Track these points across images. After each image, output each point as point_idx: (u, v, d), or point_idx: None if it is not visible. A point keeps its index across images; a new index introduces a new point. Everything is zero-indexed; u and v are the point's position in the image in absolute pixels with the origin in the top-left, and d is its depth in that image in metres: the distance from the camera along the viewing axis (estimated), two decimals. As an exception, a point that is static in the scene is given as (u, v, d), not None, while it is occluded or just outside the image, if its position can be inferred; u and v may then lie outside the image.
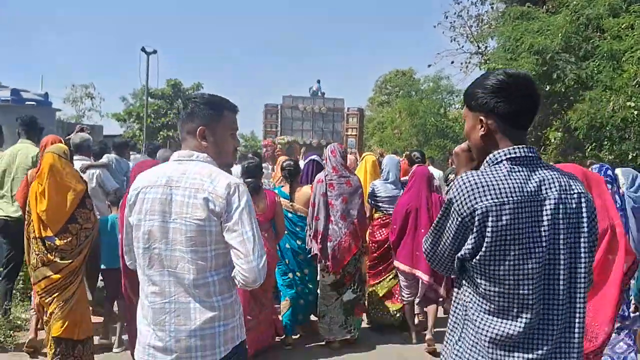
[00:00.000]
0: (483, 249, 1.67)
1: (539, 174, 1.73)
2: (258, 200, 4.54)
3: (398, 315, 5.65)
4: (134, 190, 2.17)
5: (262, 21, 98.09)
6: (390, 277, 5.68)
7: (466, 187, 1.71)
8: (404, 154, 14.28)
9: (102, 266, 4.95)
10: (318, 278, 5.27)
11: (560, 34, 11.03)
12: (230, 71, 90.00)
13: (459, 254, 1.76)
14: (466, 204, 1.69)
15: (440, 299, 5.41)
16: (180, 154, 2.18)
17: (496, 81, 1.75)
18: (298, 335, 5.47)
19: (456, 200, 1.72)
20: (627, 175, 5.35)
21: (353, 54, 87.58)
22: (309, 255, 5.18)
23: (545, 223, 1.69)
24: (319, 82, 23.69)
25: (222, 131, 2.23)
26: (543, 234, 1.68)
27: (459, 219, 1.72)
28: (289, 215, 5.26)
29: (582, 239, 1.73)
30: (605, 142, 10.97)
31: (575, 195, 1.74)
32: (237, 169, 9.16)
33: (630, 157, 10.10)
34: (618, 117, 9.76)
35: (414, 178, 5.43)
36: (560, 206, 1.70)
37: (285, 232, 5.11)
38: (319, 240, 5.04)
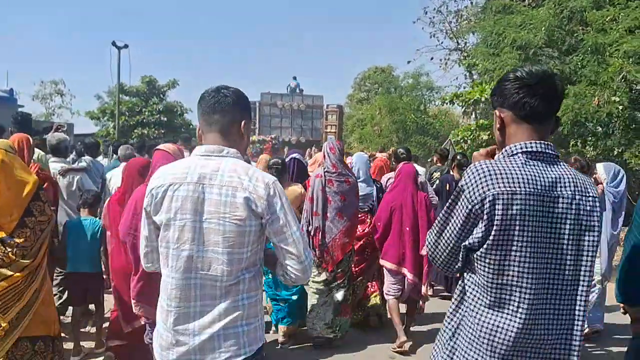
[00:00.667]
0: (491, 237, 1.67)
1: (556, 171, 1.74)
2: None
3: (372, 313, 5.72)
4: (159, 187, 2.06)
5: (238, 18, 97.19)
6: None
7: (479, 174, 1.72)
8: (390, 150, 14.03)
9: (68, 270, 4.79)
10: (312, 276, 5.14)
11: (543, 28, 10.78)
12: (206, 68, 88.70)
13: (466, 242, 1.75)
14: (477, 191, 1.70)
15: (420, 301, 5.40)
16: (209, 148, 2.07)
17: (513, 78, 1.78)
18: (286, 336, 5.32)
19: (467, 187, 1.73)
20: (608, 170, 5.54)
21: (331, 51, 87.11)
22: None
23: (556, 220, 1.70)
24: (295, 78, 23.58)
25: (250, 127, 2.20)
26: (552, 230, 1.70)
27: (469, 206, 1.72)
28: None
29: (588, 242, 1.73)
30: (590, 138, 10.77)
31: (590, 199, 1.75)
32: None
33: (615, 152, 9.91)
34: (603, 112, 9.55)
35: (400, 176, 5.38)
36: (573, 206, 1.72)
37: None
38: (319, 236, 5.01)
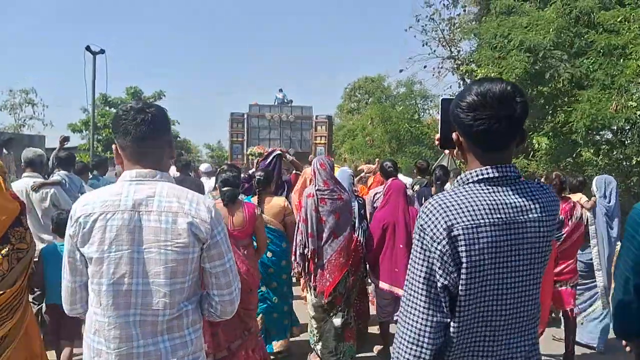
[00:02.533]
0: (462, 279, 1.54)
1: (519, 194, 1.64)
2: (235, 212, 4.31)
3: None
4: (87, 216, 1.91)
5: (224, 28, 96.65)
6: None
7: (436, 209, 1.59)
8: (376, 161, 13.40)
9: (48, 301, 4.44)
10: (309, 299, 5.01)
11: (551, 29, 10.14)
12: (193, 80, 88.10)
13: (445, 282, 1.56)
14: (441, 225, 1.55)
15: None
16: (140, 172, 1.95)
17: (465, 105, 1.60)
18: (280, 352, 5.22)
19: (428, 225, 1.58)
20: (600, 184, 5.65)
21: (319, 61, 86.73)
22: (282, 270, 5.12)
23: (527, 247, 1.61)
24: (281, 90, 23.13)
25: (173, 149, 2.11)
26: (524, 259, 1.61)
27: (437, 246, 1.55)
28: None
29: (541, 264, 1.67)
30: (603, 146, 10.15)
31: (553, 217, 1.69)
32: (208, 182, 8.21)
33: (634, 161, 9.26)
34: (621, 117, 8.89)
35: (390, 192, 5.28)
36: (541, 229, 1.64)
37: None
38: (315, 259, 4.82)
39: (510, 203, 1.61)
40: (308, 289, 5.02)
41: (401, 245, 5.04)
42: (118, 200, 1.91)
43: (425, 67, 24.97)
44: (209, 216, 1.94)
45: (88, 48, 10.99)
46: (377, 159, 14.65)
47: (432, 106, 24.01)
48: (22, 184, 5.28)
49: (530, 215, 1.62)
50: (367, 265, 5.41)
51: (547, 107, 11.83)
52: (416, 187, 7.50)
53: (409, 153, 22.12)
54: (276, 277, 5.13)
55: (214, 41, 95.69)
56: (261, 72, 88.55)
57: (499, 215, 1.57)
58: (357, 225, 5.52)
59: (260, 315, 4.99)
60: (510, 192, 1.63)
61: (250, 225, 4.38)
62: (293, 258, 4.95)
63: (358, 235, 5.42)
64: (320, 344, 4.95)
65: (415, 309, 1.60)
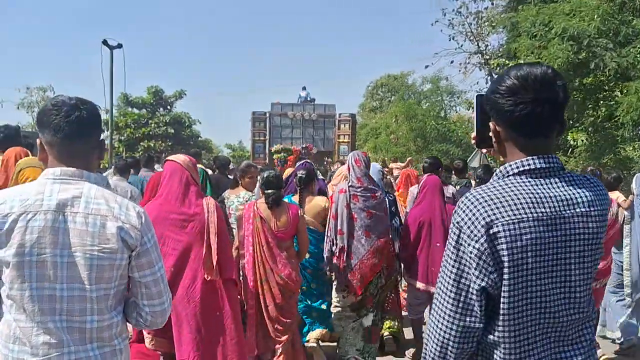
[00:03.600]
0: (504, 281, 1.43)
1: (564, 186, 1.52)
2: (279, 214, 4.21)
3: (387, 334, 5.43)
4: (5, 216, 1.75)
5: (244, 27, 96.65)
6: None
7: (474, 204, 1.47)
8: (407, 160, 12.89)
9: None
10: (336, 298, 4.95)
11: (596, 15, 9.48)
12: (214, 79, 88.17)
13: (484, 284, 1.45)
14: (479, 221, 1.44)
15: None
16: (66, 171, 1.84)
17: (504, 89, 1.50)
18: (317, 340, 5.06)
19: (465, 222, 1.47)
20: (639, 181, 5.42)
21: (341, 60, 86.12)
22: (321, 271, 4.94)
23: (573, 245, 1.49)
24: (304, 88, 22.85)
25: (104, 148, 2.07)
26: (570, 258, 1.49)
27: (474, 244, 1.45)
28: None
29: (592, 263, 1.54)
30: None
31: (601, 212, 1.55)
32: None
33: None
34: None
35: (425, 189, 5.16)
36: (590, 224, 1.51)
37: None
38: (344, 257, 4.67)
39: (556, 196, 1.49)
40: (336, 287, 4.92)
41: (438, 244, 4.92)
42: (40, 199, 1.80)
43: (452, 62, 24.41)
44: (139, 222, 1.87)
45: (105, 42, 10.59)
46: (408, 158, 14.22)
47: (459, 102, 23.55)
48: None
49: (577, 210, 1.50)
50: (402, 265, 5.28)
51: (588, 100, 11.15)
52: (457, 187, 7.26)
53: (436, 151, 21.71)
54: (315, 279, 4.99)
55: (234, 40, 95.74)
56: (281, 72, 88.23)
57: (543, 210, 1.46)
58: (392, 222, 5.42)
59: (298, 315, 4.87)
60: (555, 185, 1.52)
61: (294, 226, 4.28)
62: (323, 256, 4.85)
63: (389, 234, 5.21)
64: (345, 342, 4.86)
65: (443, 312, 1.52)
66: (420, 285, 4.98)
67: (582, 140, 11.25)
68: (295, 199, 4.92)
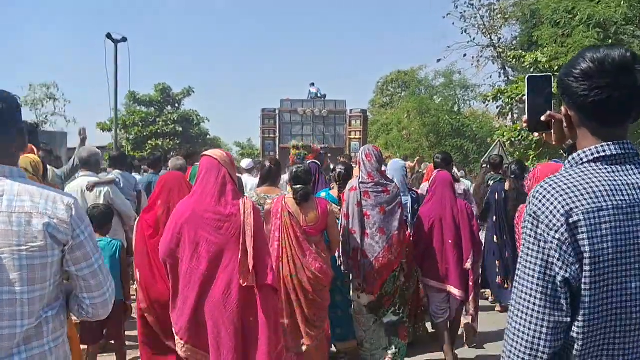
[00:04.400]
0: (586, 273, 1.34)
1: (639, 174, 1.43)
2: (308, 209, 4.21)
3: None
4: None
5: (255, 23, 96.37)
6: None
7: (550, 193, 1.40)
8: (418, 157, 12.52)
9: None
10: (352, 298, 4.87)
11: (623, 1, 9.00)
12: (223, 76, 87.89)
13: (566, 275, 1.36)
14: (558, 210, 1.37)
15: (468, 318, 5.15)
16: None
17: (579, 72, 1.43)
18: (340, 352, 5.15)
19: (543, 212, 1.39)
20: None
21: (351, 55, 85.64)
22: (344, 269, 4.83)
23: None
24: (313, 84, 22.57)
25: (25, 142, 1.96)
26: None
27: (554, 234, 1.37)
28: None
29: None
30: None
31: None
32: (250, 180, 8.08)
33: None
34: None
35: (435, 185, 5.10)
36: None
37: None
38: (358, 256, 4.58)
39: (634, 183, 1.42)
40: (352, 287, 4.82)
41: (450, 241, 4.87)
42: None
43: (465, 55, 23.96)
44: (68, 215, 1.82)
45: (109, 36, 10.17)
46: (417, 156, 13.89)
47: (473, 97, 23.10)
48: (78, 184, 5.26)
49: None
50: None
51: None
52: (490, 183, 7.20)
53: (450, 146, 21.20)
54: (343, 274, 4.87)
55: (242, 37, 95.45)
56: (290, 68, 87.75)
57: (622, 197, 1.39)
58: (409, 220, 5.39)
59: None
60: (632, 171, 1.44)
61: (323, 221, 4.26)
62: (337, 255, 4.72)
63: (411, 231, 5.21)
64: (371, 346, 4.77)
65: (530, 309, 1.42)
66: (434, 283, 4.93)
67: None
68: (334, 193, 4.98)
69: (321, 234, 4.34)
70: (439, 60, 27.05)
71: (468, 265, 4.85)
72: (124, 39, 10.36)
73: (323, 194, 4.97)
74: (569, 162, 1.51)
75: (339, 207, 4.86)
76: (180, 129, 26.33)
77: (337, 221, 4.62)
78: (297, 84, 75.46)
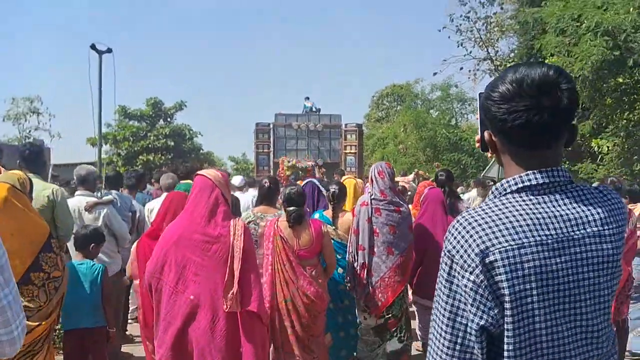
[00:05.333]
0: (507, 317, 1.24)
1: (572, 202, 1.34)
2: (301, 231, 4.12)
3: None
4: None
5: (248, 38, 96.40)
6: None
7: (466, 229, 1.30)
8: (414, 172, 12.09)
9: (64, 327, 4.27)
10: (359, 319, 4.79)
11: (632, 8, 8.60)
12: (217, 90, 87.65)
13: (482, 322, 1.26)
14: (473, 249, 1.27)
15: None
16: None
17: (498, 95, 1.33)
18: None
19: (457, 250, 1.29)
20: None
21: (345, 70, 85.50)
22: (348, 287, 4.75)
23: (585, 270, 1.30)
24: (308, 98, 22.41)
25: None
26: (582, 287, 1.29)
27: (469, 276, 1.26)
28: None
29: (609, 289, 1.34)
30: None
31: (617, 230, 1.36)
32: (242, 198, 7.53)
33: None
34: None
35: (427, 202, 5.20)
36: (604, 246, 1.33)
37: None
38: (364, 274, 4.52)
39: (562, 215, 1.30)
40: (357, 308, 4.74)
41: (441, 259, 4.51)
42: None
43: (461, 68, 23.65)
44: None
45: (93, 47, 9.57)
46: (414, 171, 13.51)
47: (470, 110, 22.79)
48: (75, 203, 5.10)
49: (589, 229, 1.31)
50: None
51: (622, 101, 10.27)
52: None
53: (447, 161, 21.00)
54: (348, 295, 4.77)
55: (235, 52, 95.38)
56: (284, 83, 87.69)
57: (547, 232, 1.27)
58: None
59: (329, 333, 4.66)
60: (561, 202, 1.32)
61: (318, 243, 4.16)
62: (346, 278, 4.67)
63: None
64: None
65: (437, 354, 1.32)
66: (425, 302, 4.94)
67: (608, 148, 10.37)
68: (328, 214, 4.88)
69: (317, 256, 4.25)
70: (435, 74, 26.57)
71: None
72: (109, 50, 9.73)
73: (317, 215, 4.88)
74: (492, 192, 1.41)
75: (333, 228, 4.78)
76: (172, 143, 25.83)
77: (332, 242, 4.52)
78: (291, 98, 75.30)
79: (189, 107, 28.65)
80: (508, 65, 14.05)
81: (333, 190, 4.88)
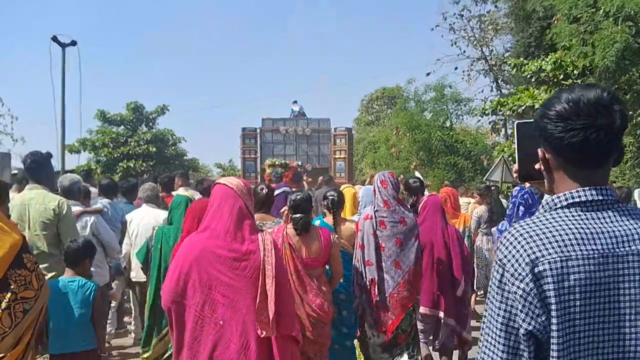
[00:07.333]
0: (553, 326, 1.28)
1: (619, 220, 1.37)
2: (310, 240, 4.04)
3: None
4: None
5: (235, 40, 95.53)
6: None
7: (517, 240, 1.36)
8: (401, 177, 11.49)
9: (51, 351, 3.94)
10: (368, 335, 4.63)
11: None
12: (202, 95, 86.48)
13: (530, 328, 1.31)
14: (524, 259, 1.33)
15: (465, 346, 5.19)
16: None
17: (554, 114, 1.39)
18: None
19: (508, 260, 1.36)
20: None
21: (333, 74, 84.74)
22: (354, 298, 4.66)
23: (629, 286, 1.32)
24: (296, 102, 21.80)
25: None
26: (625, 302, 1.31)
27: (519, 284, 1.32)
28: None
29: None
30: None
31: None
32: None
33: None
34: None
35: (427, 209, 5.17)
36: None
37: None
38: (375, 290, 4.41)
39: (608, 232, 1.34)
40: (365, 324, 4.63)
41: (441, 267, 4.97)
42: None
43: (456, 68, 23.00)
44: None
45: (55, 39, 8.55)
46: (401, 175, 12.72)
47: (465, 111, 22.03)
48: None
49: (633, 247, 1.34)
50: None
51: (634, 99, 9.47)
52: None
53: (442, 164, 20.13)
54: (347, 305, 4.71)
55: (220, 54, 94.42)
56: (270, 86, 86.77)
57: (593, 247, 1.32)
58: None
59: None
60: (608, 219, 1.37)
61: (327, 253, 4.13)
62: (352, 289, 4.60)
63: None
64: None
65: (492, 358, 1.37)
66: (425, 310, 5.01)
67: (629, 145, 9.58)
68: (328, 220, 4.83)
69: (323, 266, 4.22)
70: (428, 74, 25.89)
71: (459, 292, 4.94)
72: (73, 43, 8.73)
73: (317, 222, 4.72)
74: (542, 206, 1.46)
75: (336, 236, 4.63)
76: (155, 149, 24.75)
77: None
78: (279, 102, 74.52)
79: (172, 111, 27.53)
80: (504, 64, 13.33)
81: (332, 197, 4.82)
